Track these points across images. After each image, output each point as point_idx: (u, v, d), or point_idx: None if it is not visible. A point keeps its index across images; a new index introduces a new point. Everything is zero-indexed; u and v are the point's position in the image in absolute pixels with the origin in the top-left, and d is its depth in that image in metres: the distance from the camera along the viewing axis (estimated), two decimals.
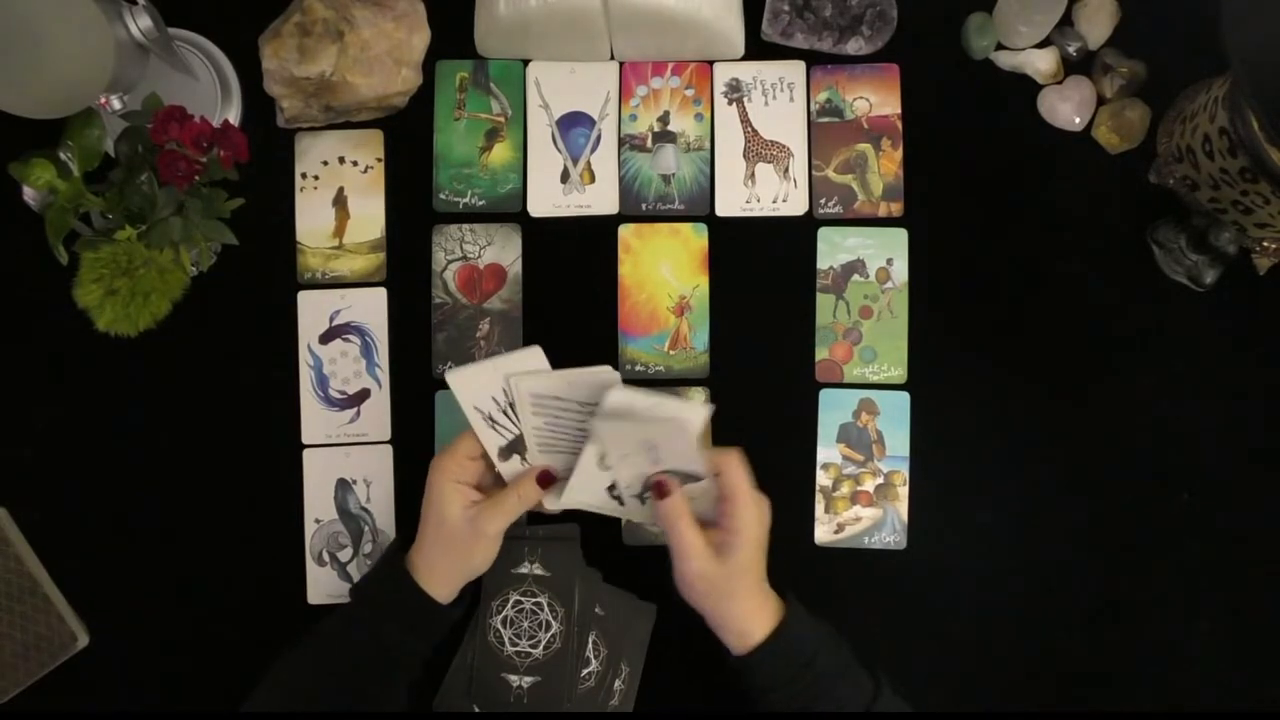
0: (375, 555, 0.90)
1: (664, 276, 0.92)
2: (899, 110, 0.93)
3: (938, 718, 0.86)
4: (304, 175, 0.93)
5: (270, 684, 0.78)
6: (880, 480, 0.90)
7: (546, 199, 0.93)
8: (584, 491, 0.79)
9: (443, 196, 0.93)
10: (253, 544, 0.90)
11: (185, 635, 0.90)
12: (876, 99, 0.93)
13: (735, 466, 0.77)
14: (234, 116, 0.92)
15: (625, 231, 0.92)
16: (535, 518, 0.86)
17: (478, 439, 0.79)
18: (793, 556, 0.89)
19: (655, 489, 0.78)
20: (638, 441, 0.76)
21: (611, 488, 0.80)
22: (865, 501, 0.90)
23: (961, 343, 0.91)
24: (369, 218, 0.92)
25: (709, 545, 0.76)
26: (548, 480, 0.79)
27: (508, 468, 0.80)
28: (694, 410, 0.76)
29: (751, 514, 0.77)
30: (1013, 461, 0.90)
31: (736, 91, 0.93)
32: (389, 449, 0.91)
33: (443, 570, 0.78)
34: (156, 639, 0.90)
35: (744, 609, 0.77)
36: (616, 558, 0.89)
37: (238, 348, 0.92)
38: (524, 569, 0.85)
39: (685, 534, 0.76)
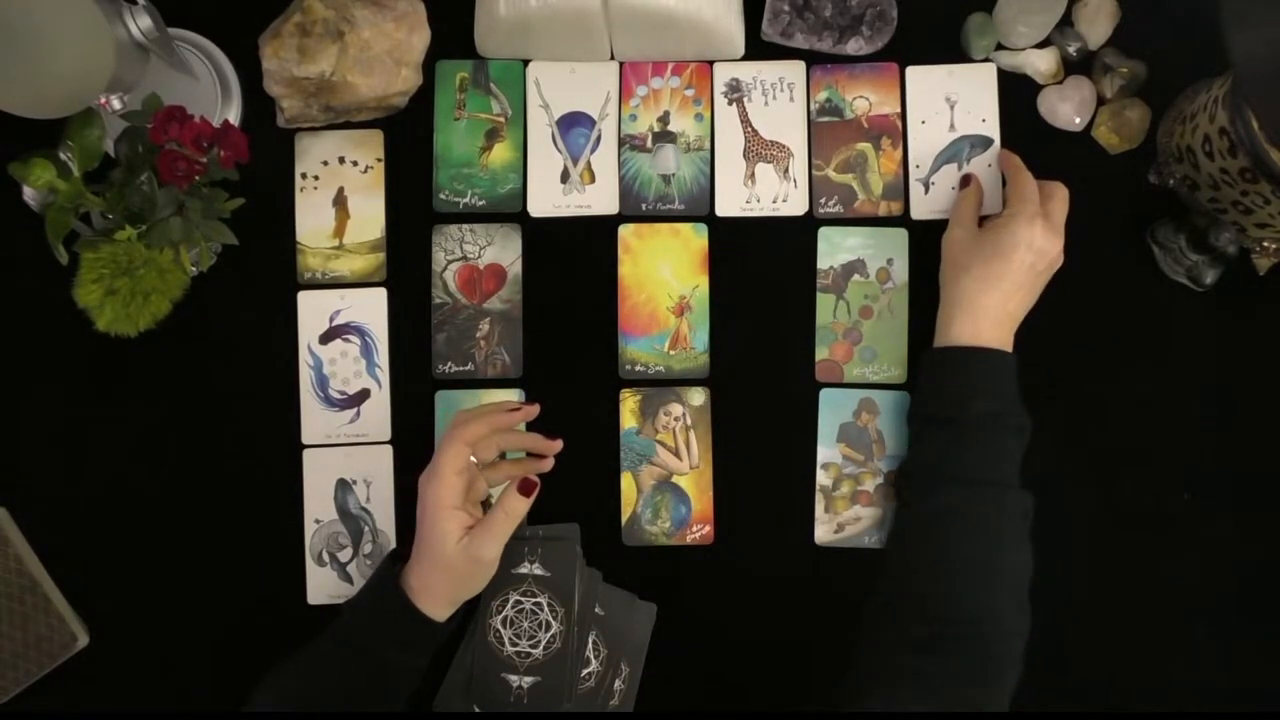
0: (375, 556, 0.90)
1: (664, 276, 0.92)
2: (899, 110, 0.93)
3: (950, 718, 0.86)
4: (304, 175, 0.93)
5: (260, 701, 0.77)
6: (880, 480, 0.90)
7: (546, 199, 0.93)
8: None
9: (443, 196, 0.93)
10: (253, 544, 0.90)
11: (185, 635, 0.90)
12: (876, 99, 0.93)
13: (1017, 168, 0.87)
14: (234, 116, 0.92)
15: (625, 231, 0.92)
16: (536, 517, 0.86)
17: (456, 449, 0.78)
18: (793, 556, 0.90)
19: None
20: None
21: None
22: (865, 501, 0.90)
23: None
24: (369, 218, 0.92)
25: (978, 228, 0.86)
26: (529, 487, 0.78)
27: None
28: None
29: (1027, 188, 0.85)
30: None
31: (736, 91, 0.93)
32: (389, 449, 0.91)
33: (442, 593, 0.78)
34: (156, 639, 0.90)
35: (967, 293, 0.83)
36: (616, 558, 0.89)
37: (238, 348, 0.91)
38: (524, 569, 0.85)
39: (961, 204, 0.88)
